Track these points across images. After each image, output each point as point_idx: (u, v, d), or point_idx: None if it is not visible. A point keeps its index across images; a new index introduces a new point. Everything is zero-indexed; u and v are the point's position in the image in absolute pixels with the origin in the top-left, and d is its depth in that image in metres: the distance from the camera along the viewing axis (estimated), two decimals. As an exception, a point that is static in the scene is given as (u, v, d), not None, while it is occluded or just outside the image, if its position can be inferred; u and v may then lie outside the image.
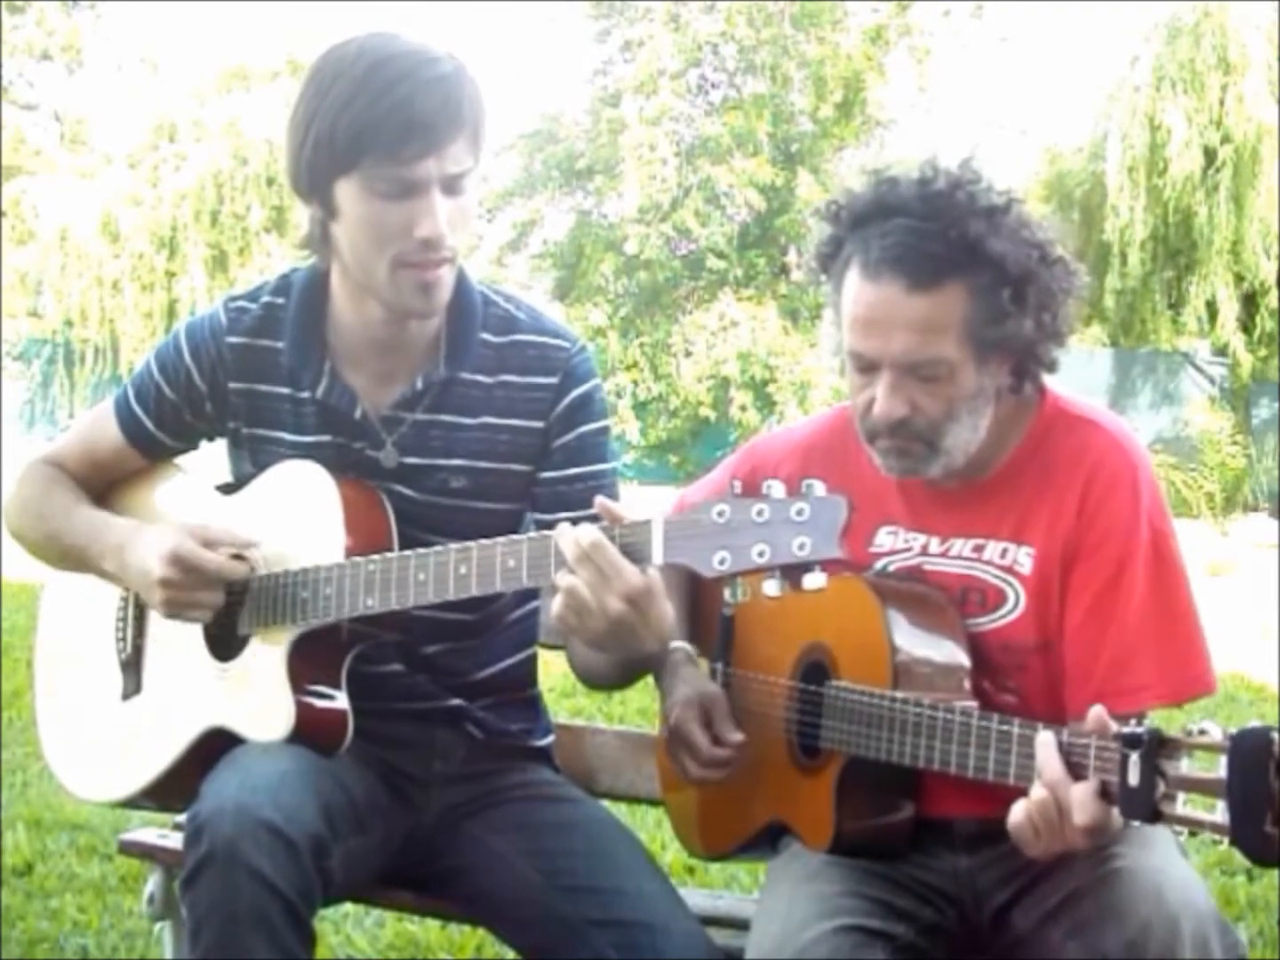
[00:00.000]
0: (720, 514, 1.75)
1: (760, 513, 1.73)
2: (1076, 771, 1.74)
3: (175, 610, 2.14)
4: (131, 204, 23.13)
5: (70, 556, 2.31)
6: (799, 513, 1.71)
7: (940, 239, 1.98)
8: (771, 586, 1.74)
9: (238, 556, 2.15)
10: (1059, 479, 2.07)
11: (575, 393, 2.22)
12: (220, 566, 2.11)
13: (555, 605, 1.89)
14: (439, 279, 2.10)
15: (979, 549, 2.10)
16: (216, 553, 2.13)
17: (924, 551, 2.14)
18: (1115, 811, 1.71)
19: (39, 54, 29.54)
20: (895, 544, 2.16)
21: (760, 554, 1.72)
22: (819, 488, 1.73)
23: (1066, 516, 2.05)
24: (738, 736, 2.12)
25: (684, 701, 2.15)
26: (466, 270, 2.23)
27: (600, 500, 1.89)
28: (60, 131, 29.41)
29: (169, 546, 2.10)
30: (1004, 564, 2.08)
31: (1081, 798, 1.73)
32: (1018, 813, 1.79)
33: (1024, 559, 2.07)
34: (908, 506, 2.16)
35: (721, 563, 1.74)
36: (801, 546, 1.70)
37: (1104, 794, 1.72)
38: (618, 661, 2.14)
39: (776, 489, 1.75)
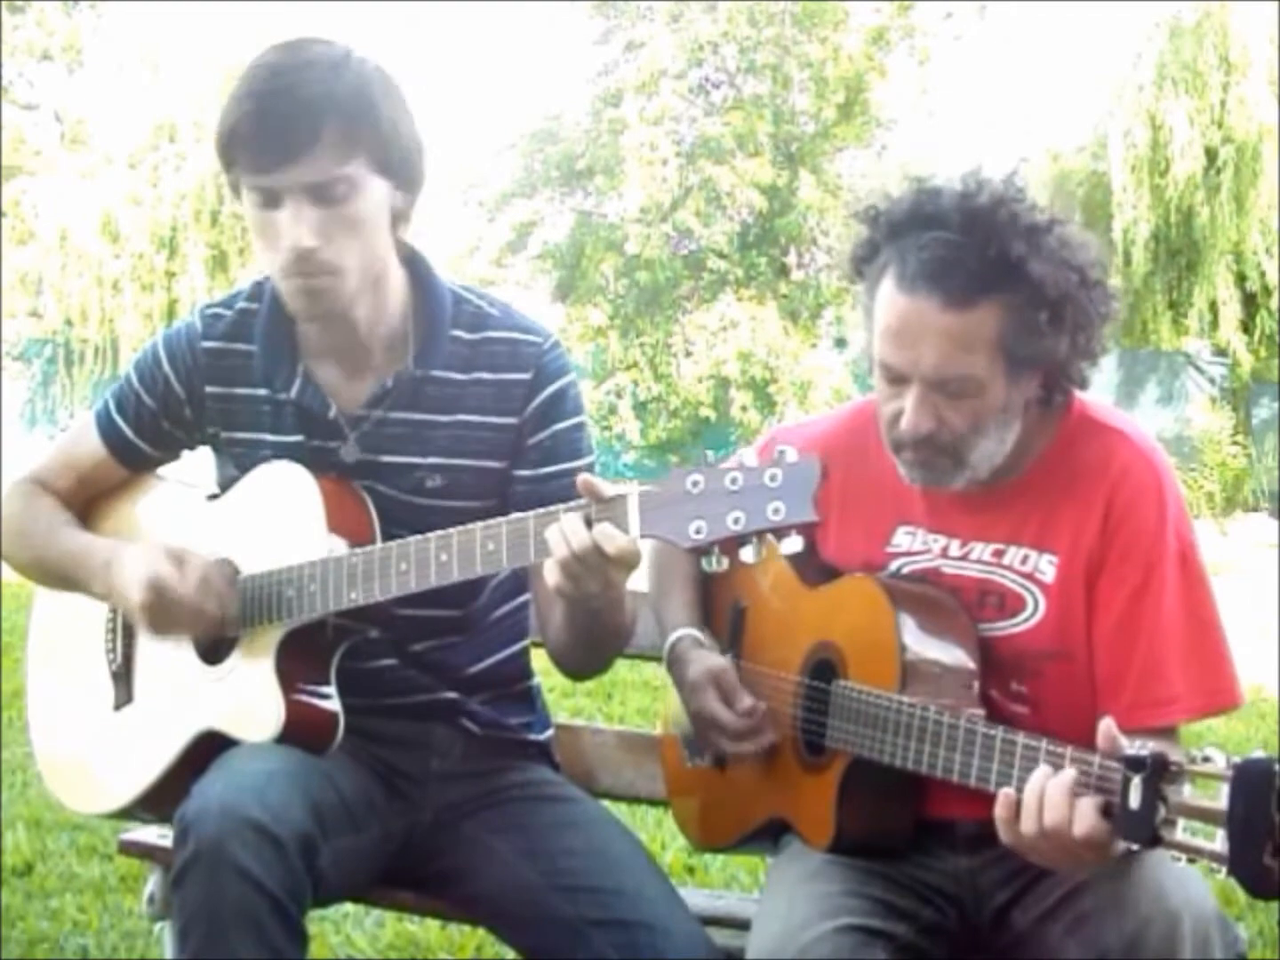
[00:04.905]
0: (695, 484, 1.76)
1: (734, 480, 1.74)
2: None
3: (160, 633, 2.15)
4: (131, 204, 23.09)
5: (57, 579, 2.33)
6: (772, 478, 1.72)
7: (979, 256, 1.95)
8: (749, 553, 1.75)
9: (224, 569, 2.15)
10: (1084, 487, 2.05)
11: (548, 390, 2.21)
12: (194, 597, 2.11)
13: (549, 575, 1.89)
14: (318, 287, 2.09)
15: (999, 554, 2.08)
16: (195, 570, 2.12)
17: (943, 554, 2.12)
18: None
19: (39, 54, 29.48)
20: (913, 545, 2.15)
21: (735, 521, 1.73)
22: (791, 453, 1.74)
23: (1091, 526, 2.03)
24: (749, 702, 2.12)
25: (694, 685, 2.15)
26: (432, 267, 2.24)
27: (583, 478, 1.88)
28: (60, 131, 29.34)
29: (147, 573, 2.11)
30: (1025, 570, 2.06)
31: (1082, 809, 1.71)
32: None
33: (1046, 566, 2.05)
34: (929, 508, 2.14)
35: (698, 532, 1.75)
36: (776, 511, 1.71)
37: (1106, 812, 1.69)
38: (587, 631, 2.12)
39: (749, 457, 1.75)
